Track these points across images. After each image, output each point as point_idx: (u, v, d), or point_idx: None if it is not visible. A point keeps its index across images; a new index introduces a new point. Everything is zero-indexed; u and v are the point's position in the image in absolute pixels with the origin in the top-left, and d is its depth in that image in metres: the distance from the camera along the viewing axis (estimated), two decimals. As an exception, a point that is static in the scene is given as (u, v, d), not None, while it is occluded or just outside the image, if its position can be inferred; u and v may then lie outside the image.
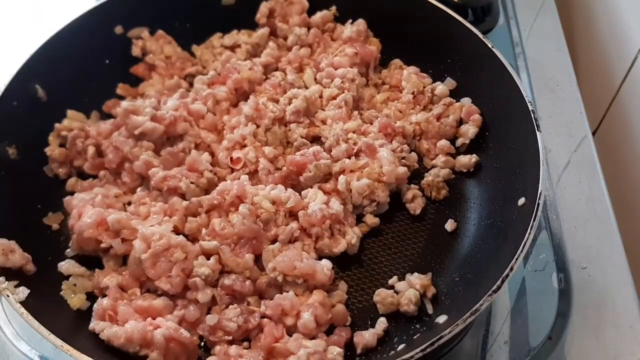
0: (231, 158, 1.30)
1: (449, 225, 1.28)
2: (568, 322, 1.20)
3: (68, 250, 1.22)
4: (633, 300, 1.22)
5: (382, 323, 1.13)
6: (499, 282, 1.01)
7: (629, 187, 1.58)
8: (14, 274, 1.07)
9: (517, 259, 1.03)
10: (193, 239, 1.19)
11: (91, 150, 1.32)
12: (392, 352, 1.06)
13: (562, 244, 1.32)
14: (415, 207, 1.30)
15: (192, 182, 1.24)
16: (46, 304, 1.07)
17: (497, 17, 1.77)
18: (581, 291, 1.24)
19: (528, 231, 1.06)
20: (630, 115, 1.60)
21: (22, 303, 1.02)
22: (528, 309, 1.24)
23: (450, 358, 1.19)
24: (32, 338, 1.22)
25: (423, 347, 0.95)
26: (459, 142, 1.38)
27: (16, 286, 1.04)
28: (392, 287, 1.19)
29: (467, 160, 1.34)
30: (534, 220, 1.07)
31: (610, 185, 1.40)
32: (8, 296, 1.01)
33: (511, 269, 1.02)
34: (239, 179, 1.26)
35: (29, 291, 1.04)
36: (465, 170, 1.35)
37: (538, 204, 1.09)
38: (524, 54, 1.69)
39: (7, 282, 1.03)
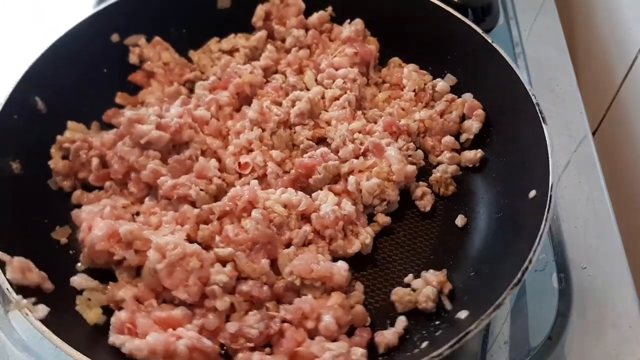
0: (239, 163, 1.29)
1: (459, 220, 1.28)
2: (568, 322, 1.21)
3: (78, 264, 1.20)
4: (633, 300, 1.23)
5: (401, 322, 1.13)
6: (519, 275, 1.02)
7: (629, 187, 1.60)
8: (30, 292, 1.05)
9: (534, 252, 1.04)
10: (206, 246, 1.18)
11: (95, 161, 1.30)
12: (417, 350, 1.06)
13: (562, 244, 1.33)
14: (425, 204, 1.30)
15: (201, 189, 1.23)
16: (63, 320, 1.05)
17: (497, 17, 1.78)
18: (581, 291, 1.25)
19: (543, 223, 1.07)
20: (630, 115, 1.62)
21: (42, 321, 1.00)
22: (528, 309, 1.25)
23: (451, 358, 1.19)
24: (32, 338, 1.21)
25: (451, 343, 0.96)
26: (463, 137, 1.39)
27: (34, 304, 1.02)
28: (408, 285, 1.20)
29: (472, 155, 1.35)
30: (547, 212, 1.09)
31: (610, 185, 1.41)
32: (27, 314, 0.99)
33: (530, 261, 1.03)
34: (248, 184, 1.25)
35: (48, 309, 1.02)
36: (471, 166, 1.36)
37: (550, 195, 1.10)
38: (524, 54, 1.70)
39: (25, 300, 1.01)
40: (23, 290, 1.04)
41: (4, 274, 1.03)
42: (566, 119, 1.55)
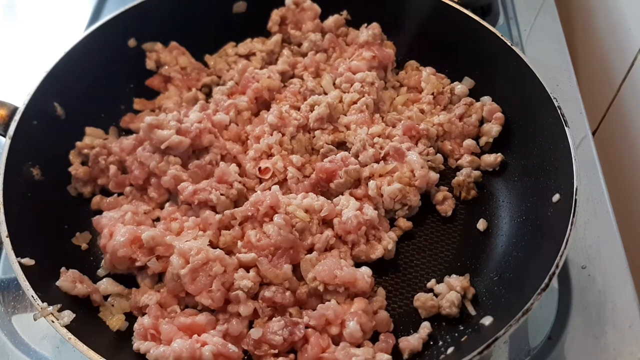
0: (259, 168, 1.28)
1: (481, 224, 1.28)
2: (568, 322, 1.20)
3: (99, 270, 1.20)
4: (633, 300, 1.22)
5: (425, 327, 1.12)
6: (546, 280, 1.01)
7: (629, 187, 1.59)
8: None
9: (561, 256, 1.03)
10: (228, 252, 1.17)
11: (112, 168, 1.30)
12: (442, 356, 1.06)
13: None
14: (446, 209, 1.29)
15: (222, 194, 1.22)
16: (87, 327, 1.05)
17: (497, 17, 1.78)
18: (581, 291, 1.24)
19: (569, 227, 1.06)
20: (630, 115, 1.61)
21: (67, 327, 0.99)
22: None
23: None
24: (32, 338, 1.21)
25: (480, 349, 0.95)
26: (482, 141, 1.39)
27: (59, 310, 1.01)
28: (430, 290, 1.19)
29: (492, 159, 1.34)
30: (573, 216, 1.08)
31: (610, 185, 1.40)
32: (53, 322, 0.98)
33: (557, 266, 1.02)
34: (269, 189, 1.24)
35: (74, 315, 1.01)
36: (490, 170, 1.35)
37: (575, 199, 1.10)
38: (524, 54, 1.70)
39: (51, 307, 1.00)
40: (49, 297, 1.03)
41: (29, 281, 1.03)
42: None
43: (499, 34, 1.37)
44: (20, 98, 1.26)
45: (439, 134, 1.40)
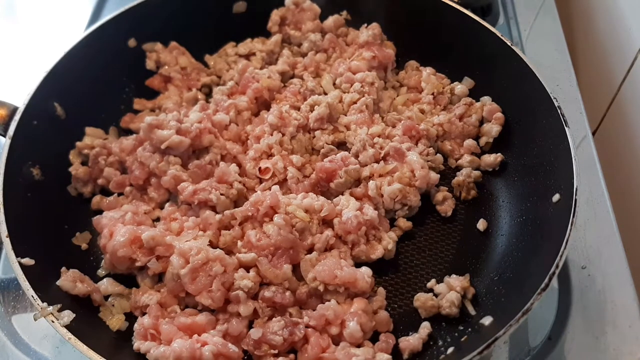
0: (259, 168, 1.28)
1: (481, 224, 1.28)
2: (568, 322, 1.20)
3: (99, 270, 1.20)
4: (633, 300, 1.22)
5: (425, 328, 1.12)
6: (546, 280, 1.01)
7: (629, 187, 1.59)
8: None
9: (561, 256, 1.03)
10: (228, 252, 1.17)
11: (108, 170, 1.30)
12: (442, 356, 1.06)
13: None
14: (446, 209, 1.29)
15: (222, 194, 1.22)
16: (87, 327, 1.05)
17: (497, 17, 1.78)
18: (581, 291, 1.24)
19: (569, 227, 1.06)
20: (630, 115, 1.61)
21: (67, 327, 0.99)
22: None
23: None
24: (32, 338, 1.21)
25: (479, 349, 0.95)
26: (482, 141, 1.38)
27: (59, 310, 1.01)
28: (430, 290, 1.19)
29: (492, 159, 1.34)
30: (573, 216, 1.08)
31: (610, 185, 1.40)
32: (53, 322, 0.98)
33: (557, 266, 1.02)
34: (269, 189, 1.24)
35: (74, 315, 1.01)
36: (490, 170, 1.35)
37: (575, 199, 1.10)
38: (524, 54, 1.70)
39: (51, 307, 1.00)
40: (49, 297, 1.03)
41: (29, 281, 1.03)
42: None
43: (499, 34, 1.37)
44: (20, 98, 1.26)
45: (439, 134, 1.40)
